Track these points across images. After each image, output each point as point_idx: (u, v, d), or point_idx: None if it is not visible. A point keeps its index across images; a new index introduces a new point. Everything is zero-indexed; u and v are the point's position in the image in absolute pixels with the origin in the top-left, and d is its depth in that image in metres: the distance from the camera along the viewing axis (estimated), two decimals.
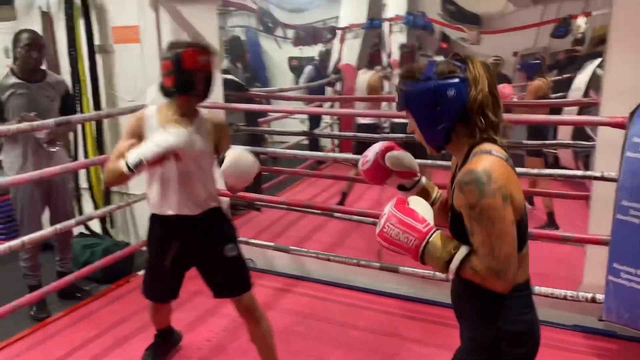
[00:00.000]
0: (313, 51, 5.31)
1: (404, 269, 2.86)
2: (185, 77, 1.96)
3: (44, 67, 3.05)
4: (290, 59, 5.22)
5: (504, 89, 3.97)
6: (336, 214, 3.39)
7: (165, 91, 2.04)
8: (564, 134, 3.71)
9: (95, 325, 2.93)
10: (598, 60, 3.88)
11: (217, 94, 3.45)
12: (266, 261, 3.61)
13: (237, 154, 1.95)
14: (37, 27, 3.75)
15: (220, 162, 1.97)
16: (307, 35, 4.83)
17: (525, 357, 1.34)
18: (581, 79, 3.91)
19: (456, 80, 1.25)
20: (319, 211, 3.52)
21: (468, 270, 1.23)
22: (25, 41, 2.85)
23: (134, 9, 3.56)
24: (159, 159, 1.87)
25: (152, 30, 3.53)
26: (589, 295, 2.50)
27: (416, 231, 1.25)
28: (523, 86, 4.29)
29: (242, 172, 1.95)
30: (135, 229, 4.08)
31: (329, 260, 3.09)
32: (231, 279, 2.23)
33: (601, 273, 2.33)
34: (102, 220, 3.92)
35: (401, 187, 1.54)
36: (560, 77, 4.61)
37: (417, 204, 1.32)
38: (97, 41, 3.72)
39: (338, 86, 4.98)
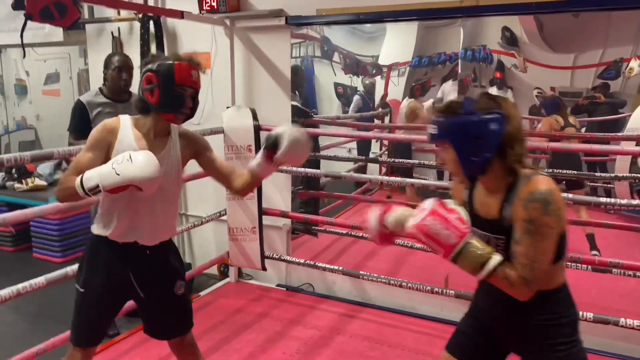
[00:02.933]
0: (359, 81, 5.39)
1: None
2: (174, 92, 1.75)
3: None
4: (336, 85, 5.28)
5: None
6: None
7: (145, 106, 1.81)
8: (622, 169, 3.77)
9: (165, 344, 2.93)
10: None
11: (286, 118, 3.57)
12: (326, 286, 3.63)
13: (295, 131, 1.82)
14: (108, 51, 3.90)
15: (272, 144, 1.81)
16: (356, 65, 4.93)
17: (579, 340, 1.49)
18: (636, 119, 3.99)
19: (497, 115, 1.39)
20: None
21: (499, 275, 1.35)
22: (117, 63, 2.95)
23: (207, 36, 3.70)
24: (118, 189, 1.67)
25: (223, 56, 3.66)
26: None
27: (458, 230, 1.36)
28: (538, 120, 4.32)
29: (303, 148, 1.85)
30: (191, 250, 4.12)
31: (400, 286, 3.11)
32: (181, 317, 2.04)
33: None
34: None
35: None
36: (606, 118, 4.62)
37: (462, 210, 1.44)
38: None
39: (386, 119, 5.07)
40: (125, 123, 1.84)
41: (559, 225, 1.34)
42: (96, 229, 1.90)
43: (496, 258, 1.36)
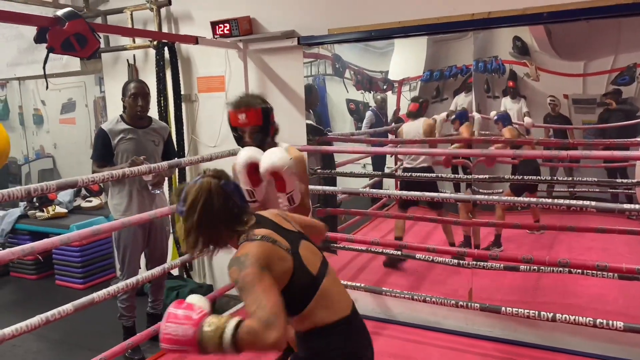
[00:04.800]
0: (371, 97, 5.40)
1: (507, 310, 2.84)
2: (234, 132, 2.33)
3: None
4: (348, 101, 5.31)
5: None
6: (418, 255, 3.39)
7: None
8: None
9: None
10: None
11: (302, 137, 3.60)
12: None
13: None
14: (124, 78, 3.97)
15: None
16: (368, 81, 4.97)
17: None
18: None
19: (182, 209, 1.53)
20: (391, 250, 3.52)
21: (243, 334, 1.30)
22: (133, 90, 3.01)
23: (221, 60, 3.76)
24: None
25: (237, 80, 3.71)
26: None
27: (190, 319, 1.34)
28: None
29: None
30: (212, 272, 4.13)
31: (424, 301, 3.08)
32: None
33: None
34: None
35: None
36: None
37: (194, 298, 1.43)
38: (182, 91, 3.90)
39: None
40: None
41: (260, 272, 1.38)
42: None
43: (231, 324, 1.33)
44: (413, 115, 4.72)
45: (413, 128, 4.75)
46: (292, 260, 1.49)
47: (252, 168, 2.17)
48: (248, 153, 2.18)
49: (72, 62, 4.33)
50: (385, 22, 3.24)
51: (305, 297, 1.51)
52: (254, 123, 2.24)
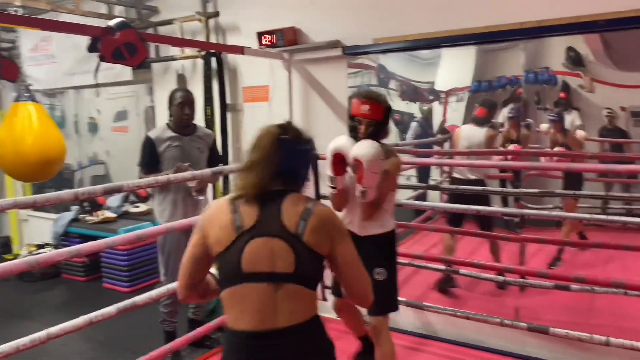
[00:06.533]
0: (416, 108, 5.31)
1: (557, 331, 2.70)
2: (351, 121, 2.36)
3: None
4: (393, 112, 5.20)
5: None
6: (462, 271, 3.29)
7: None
8: None
9: None
10: None
11: None
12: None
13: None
14: (173, 88, 4.07)
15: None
16: (413, 91, 4.89)
17: None
18: None
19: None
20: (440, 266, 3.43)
21: None
22: (179, 99, 3.07)
23: (266, 70, 3.80)
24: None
25: (281, 90, 3.74)
26: None
27: None
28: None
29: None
30: None
31: (467, 318, 2.98)
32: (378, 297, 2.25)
33: None
34: None
35: None
36: None
37: None
38: (228, 100, 3.96)
39: (446, 145, 4.98)
40: None
41: (195, 232, 1.49)
42: None
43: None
44: (479, 121, 4.50)
45: (474, 135, 4.61)
46: (232, 238, 1.42)
47: (338, 157, 2.25)
48: (338, 143, 2.27)
49: (125, 72, 4.49)
50: (431, 32, 3.19)
51: (223, 281, 1.47)
52: (374, 117, 2.29)
